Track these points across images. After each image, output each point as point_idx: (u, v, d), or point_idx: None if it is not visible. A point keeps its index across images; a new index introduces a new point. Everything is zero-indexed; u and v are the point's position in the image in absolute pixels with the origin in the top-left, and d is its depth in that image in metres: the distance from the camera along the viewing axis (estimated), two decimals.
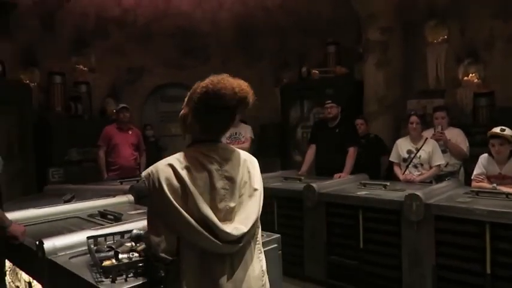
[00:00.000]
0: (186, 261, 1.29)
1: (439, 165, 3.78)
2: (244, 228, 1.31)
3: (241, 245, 1.32)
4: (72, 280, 1.55)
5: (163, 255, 1.29)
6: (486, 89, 5.21)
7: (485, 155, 3.22)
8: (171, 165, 1.32)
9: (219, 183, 1.34)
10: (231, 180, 1.36)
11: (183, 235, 1.29)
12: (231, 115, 1.41)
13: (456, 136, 3.98)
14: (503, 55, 5.17)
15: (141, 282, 1.46)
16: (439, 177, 3.86)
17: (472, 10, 5.34)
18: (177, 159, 1.35)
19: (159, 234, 1.29)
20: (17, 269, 2.13)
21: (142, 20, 7.06)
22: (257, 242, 1.43)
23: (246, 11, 7.27)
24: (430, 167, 3.79)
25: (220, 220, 1.29)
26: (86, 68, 6.72)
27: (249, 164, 1.43)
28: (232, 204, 1.35)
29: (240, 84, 1.36)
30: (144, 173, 1.35)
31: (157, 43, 7.14)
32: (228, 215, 1.34)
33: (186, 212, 1.26)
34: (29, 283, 1.99)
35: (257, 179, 1.42)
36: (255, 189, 1.40)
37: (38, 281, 1.85)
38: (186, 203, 1.27)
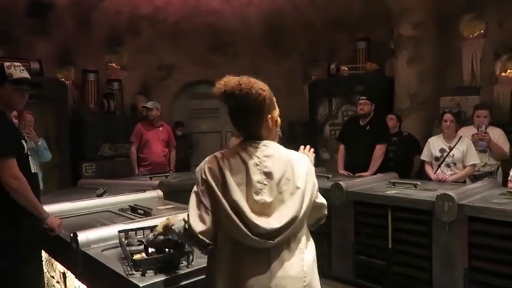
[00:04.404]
0: (221, 251, 1.36)
1: (473, 165, 3.65)
2: (277, 224, 1.31)
3: (274, 241, 1.31)
4: (104, 272, 1.60)
5: (201, 237, 1.34)
6: None
7: None
8: (215, 157, 1.43)
9: (256, 177, 1.37)
10: (269, 175, 1.38)
11: (221, 224, 1.35)
12: (249, 115, 1.43)
13: (498, 136, 3.82)
14: None
15: (169, 276, 1.49)
16: (475, 178, 3.73)
17: (510, 3, 5.10)
18: (221, 153, 1.45)
19: (203, 221, 1.35)
20: (53, 260, 2.23)
21: (172, 17, 7.17)
22: (299, 242, 1.40)
23: (274, 7, 7.24)
24: (464, 167, 3.66)
25: (256, 214, 1.32)
26: (118, 66, 6.92)
27: (293, 162, 1.42)
28: (268, 200, 1.36)
29: (247, 84, 1.39)
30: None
31: (187, 40, 7.24)
32: (265, 210, 1.35)
33: (225, 200, 1.33)
34: (64, 274, 2.08)
35: (302, 178, 1.40)
36: (297, 188, 1.38)
37: (72, 272, 1.93)
38: (225, 192, 1.34)
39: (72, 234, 1.83)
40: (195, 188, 1.42)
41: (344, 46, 6.95)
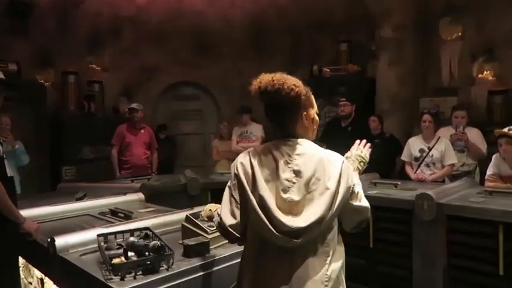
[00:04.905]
0: (248, 246, 1.42)
1: (452, 165, 3.73)
2: (302, 223, 1.29)
3: (298, 241, 1.29)
4: (82, 277, 1.58)
5: (231, 230, 1.39)
6: (501, 87, 5.11)
7: (497, 154, 3.17)
8: (249, 152, 1.46)
9: (285, 175, 1.37)
10: (298, 174, 1.37)
11: (249, 219, 1.38)
12: (282, 111, 1.43)
13: (475, 136, 3.91)
14: None
15: (150, 280, 1.47)
16: (454, 177, 3.81)
17: (490, 6, 5.23)
18: (254, 149, 1.47)
19: (233, 215, 1.41)
20: (30, 266, 2.18)
21: (155, 19, 7.11)
22: (326, 245, 1.37)
23: (258, 8, 7.25)
24: (443, 167, 3.74)
25: (283, 211, 1.32)
26: (99, 68, 6.82)
27: (325, 162, 1.38)
28: (296, 198, 1.34)
29: (279, 80, 1.40)
30: None
31: (170, 42, 7.18)
32: (292, 208, 1.34)
33: (253, 196, 1.35)
34: (41, 279, 2.03)
35: (333, 179, 1.35)
36: (327, 188, 1.34)
37: (50, 278, 1.89)
38: (254, 188, 1.36)
39: (49, 239, 1.79)
40: (229, 183, 1.46)
41: (326, 48, 7.00)
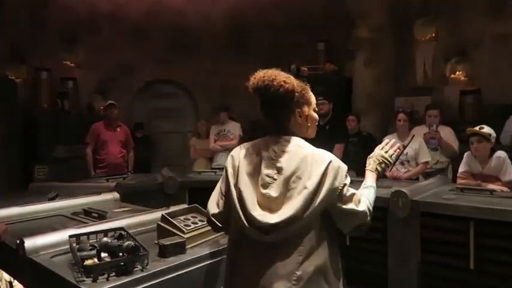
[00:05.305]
0: (229, 237, 1.49)
1: (426, 162, 3.81)
2: (273, 220, 1.30)
3: (269, 236, 1.30)
4: (53, 279, 1.52)
5: (213, 219, 1.48)
6: (473, 87, 5.26)
7: (469, 152, 3.26)
8: (241, 146, 1.51)
9: (267, 171, 1.39)
10: (280, 171, 1.37)
11: (230, 210, 1.42)
12: (274, 108, 1.45)
13: (448, 134, 4.02)
14: (491, 53, 5.22)
15: (123, 281, 1.44)
16: (428, 174, 3.90)
17: (462, 9, 5.38)
18: (247, 143, 1.51)
19: (217, 205, 1.49)
20: None
21: (133, 15, 6.99)
22: (301, 245, 1.34)
23: (238, 7, 7.24)
24: (417, 164, 3.82)
25: (262, 206, 1.35)
26: (73, 64, 6.65)
27: (309, 161, 1.36)
28: (274, 194, 1.35)
29: (270, 76, 1.40)
30: None
31: (148, 39, 7.08)
32: (271, 204, 1.35)
33: (234, 188, 1.40)
34: (10, 282, 1.96)
35: (313, 178, 1.33)
36: (305, 188, 1.32)
37: (19, 281, 1.83)
38: (237, 181, 1.41)
39: (18, 241, 1.72)
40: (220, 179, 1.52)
41: (305, 47, 7.05)
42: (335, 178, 1.36)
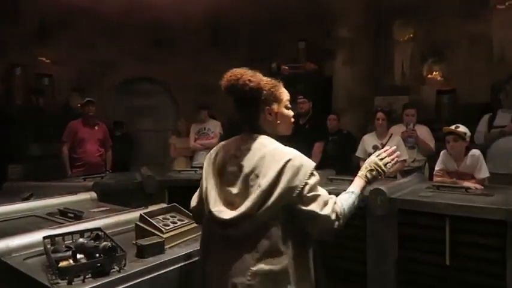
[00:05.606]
0: (201, 230, 1.56)
1: (403, 161, 3.88)
2: (227, 216, 1.34)
3: (227, 232, 1.37)
4: (26, 282, 1.48)
5: (191, 213, 1.65)
6: (449, 87, 5.39)
7: (445, 151, 3.33)
8: (217, 145, 1.58)
9: (229, 168, 1.44)
10: (241, 168, 1.40)
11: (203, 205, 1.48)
12: (242, 106, 1.47)
13: (424, 133, 4.10)
14: (466, 54, 5.36)
15: (100, 282, 1.41)
16: (405, 172, 3.96)
17: (437, 10, 5.50)
18: (224, 141, 1.57)
19: (195, 199, 1.60)
20: None
21: (111, 11, 6.85)
22: (258, 243, 1.34)
23: (218, 5, 7.19)
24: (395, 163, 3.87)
25: (225, 203, 1.40)
26: (48, 60, 6.47)
27: (268, 159, 1.36)
28: (234, 191, 1.39)
29: (236, 74, 1.42)
30: None
31: (126, 36, 6.96)
32: (234, 201, 1.39)
33: (205, 184, 1.47)
34: None
35: (269, 178, 1.32)
36: (259, 186, 1.33)
37: None
38: (207, 177, 1.49)
39: None
40: None
41: (286, 46, 7.07)
42: (294, 176, 1.34)
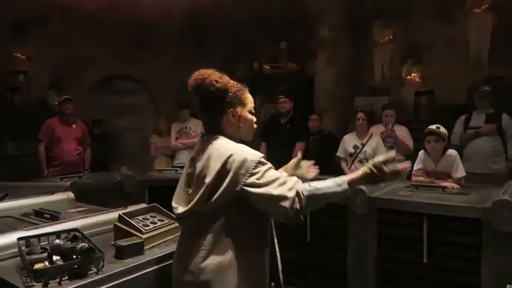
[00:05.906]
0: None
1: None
2: (179, 210, 1.46)
3: (180, 225, 1.55)
4: (0, 285, 1.44)
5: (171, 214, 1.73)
6: (427, 88, 5.50)
7: (423, 151, 3.39)
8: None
9: (188, 170, 1.52)
10: (195, 169, 1.47)
11: None
12: (205, 106, 1.49)
13: (403, 133, 4.17)
14: (443, 56, 5.48)
15: (77, 285, 1.37)
16: None
17: (415, 12, 5.61)
18: None
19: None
20: None
21: (88, 7, 6.71)
22: (206, 236, 1.41)
23: (199, 3, 7.13)
24: None
25: (182, 202, 1.49)
26: (24, 57, 6.29)
27: (212, 159, 1.42)
28: (189, 191, 1.48)
29: (203, 74, 1.46)
30: None
31: (105, 33, 6.82)
32: (189, 199, 1.46)
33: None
34: None
35: (211, 175, 1.39)
36: (204, 183, 1.40)
37: None
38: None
39: None
40: None
41: (267, 45, 7.08)
42: (238, 170, 1.35)
